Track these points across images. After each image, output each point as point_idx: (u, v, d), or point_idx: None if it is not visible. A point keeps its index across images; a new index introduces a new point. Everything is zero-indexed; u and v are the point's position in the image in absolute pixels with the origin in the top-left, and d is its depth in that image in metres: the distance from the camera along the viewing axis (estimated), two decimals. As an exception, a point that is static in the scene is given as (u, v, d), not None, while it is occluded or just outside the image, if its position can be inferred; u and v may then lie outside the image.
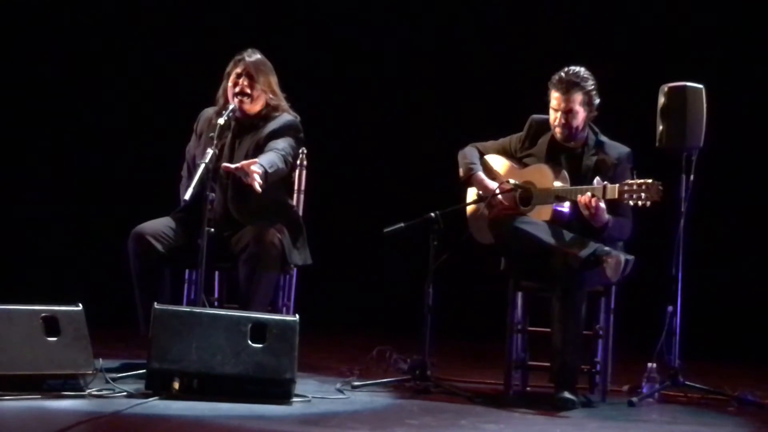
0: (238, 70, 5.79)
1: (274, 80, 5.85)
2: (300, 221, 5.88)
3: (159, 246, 5.61)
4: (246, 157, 5.63)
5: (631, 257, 5.51)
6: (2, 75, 8.29)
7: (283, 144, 5.71)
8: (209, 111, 5.91)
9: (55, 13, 8.42)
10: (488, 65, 8.22)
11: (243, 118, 5.80)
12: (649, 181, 5.35)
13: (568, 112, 5.63)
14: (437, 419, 4.99)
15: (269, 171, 5.50)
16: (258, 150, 5.69)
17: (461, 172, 5.87)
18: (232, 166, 5.49)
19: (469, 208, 5.88)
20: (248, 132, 5.80)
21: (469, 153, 5.89)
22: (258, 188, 5.43)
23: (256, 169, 5.43)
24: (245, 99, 5.77)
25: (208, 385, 5.05)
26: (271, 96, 5.82)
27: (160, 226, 5.69)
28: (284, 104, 5.86)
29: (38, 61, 8.39)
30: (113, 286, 6.18)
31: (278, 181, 5.73)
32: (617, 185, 5.42)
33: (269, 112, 5.82)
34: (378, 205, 7.58)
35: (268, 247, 5.56)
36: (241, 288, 5.59)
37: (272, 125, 5.78)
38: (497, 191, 5.69)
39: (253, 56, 5.83)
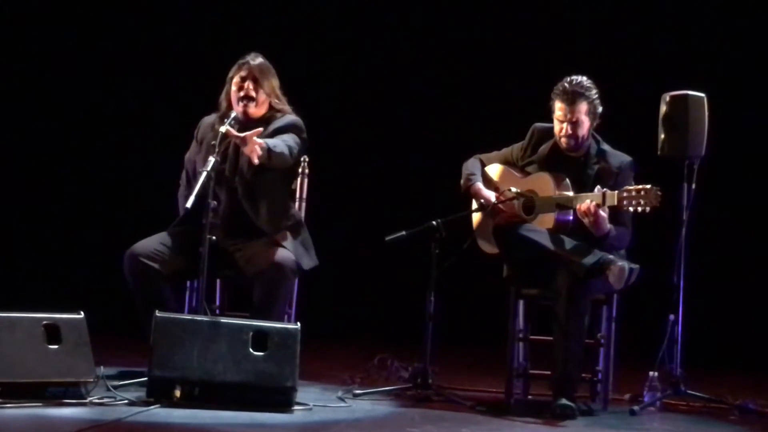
0: (242, 73, 5.76)
1: (277, 84, 5.82)
2: (302, 222, 5.85)
3: (155, 265, 5.55)
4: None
5: (636, 266, 5.48)
6: (7, 81, 8.30)
7: (288, 137, 5.66)
8: (210, 118, 5.87)
9: (51, 21, 8.44)
10: (490, 73, 8.22)
11: (247, 121, 5.75)
12: (648, 186, 5.34)
13: (574, 123, 5.62)
14: (438, 427, 4.99)
15: (273, 150, 5.45)
16: None
17: (462, 183, 5.88)
18: (236, 134, 5.40)
19: (476, 219, 5.88)
20: None
21: (471, 164, 5.90)
22: (256, 160, 5.38)
23: (260, 141, 5.37)
24: (250, 103, 5.74)
25: (210, 393, 5.05)
26: (275, 100, 5.81)
27: (153, 244, 5.61)
28: (287, 108, 5.84)
29: (40, 69, 8.40)
30: (115, 293, 6.17)
31: (283, 186, 5.72)
32: (616, 192, 5.41)
33: (273, 114, 5.80)
34: (380, 213, 7.58)
35: (284, 268, 5.52)
36: (258, 304, 5.54)
37: (277, 123, 5.73)
38: (495, 201, 5.70)
39: (257, 60, 5.79)
